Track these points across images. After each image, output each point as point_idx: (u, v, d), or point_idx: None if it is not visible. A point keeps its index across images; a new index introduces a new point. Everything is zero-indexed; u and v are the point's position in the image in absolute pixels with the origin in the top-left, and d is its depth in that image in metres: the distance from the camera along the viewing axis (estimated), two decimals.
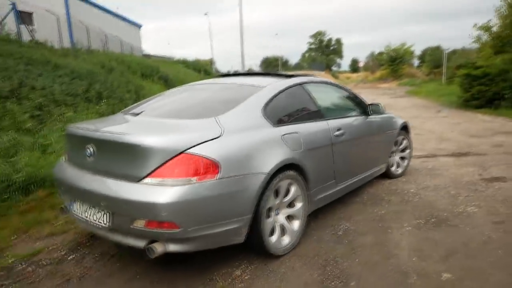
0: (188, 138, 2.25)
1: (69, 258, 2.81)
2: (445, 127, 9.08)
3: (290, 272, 2.49)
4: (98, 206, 2.36)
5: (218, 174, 2.23)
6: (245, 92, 2.88)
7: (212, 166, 2.22)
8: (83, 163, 2.51)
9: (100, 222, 2.35)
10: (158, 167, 2.17)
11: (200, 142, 2.25)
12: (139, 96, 8.61)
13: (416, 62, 52.97)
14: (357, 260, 2.64)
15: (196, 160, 2.19)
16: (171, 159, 2.17)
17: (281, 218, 2.74)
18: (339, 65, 79.72)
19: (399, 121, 4.62)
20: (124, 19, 23.30)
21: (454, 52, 31.40)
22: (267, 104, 2.79)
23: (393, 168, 4.62)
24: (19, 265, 2.72)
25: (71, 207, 2.61)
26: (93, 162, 2.43)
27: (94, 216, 2.39)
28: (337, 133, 3.27)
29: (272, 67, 61.54)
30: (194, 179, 2.16)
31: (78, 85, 7.13)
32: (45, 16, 11.97)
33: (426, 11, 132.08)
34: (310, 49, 77.43)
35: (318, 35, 76.01)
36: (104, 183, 2.30)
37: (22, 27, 9.92)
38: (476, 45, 22.14)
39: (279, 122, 2.81)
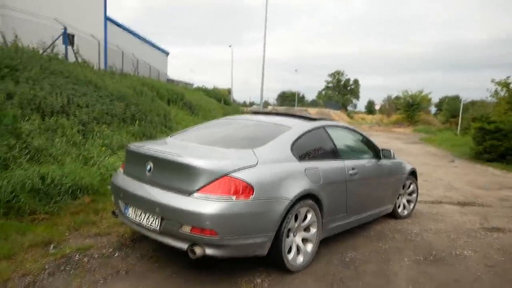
0: (231, 164, 2.80)
1: (115, 255, 3.31)
2: (454, 176, 9.44)
3: (303, 285, 2.94)
4: (151, 212, 2.89)
5: (252, 196, 2.75)
6: (276, 130, 3.45)
7: (248, 189, 2.74)
8: (141, 176, 3.07)
9: (152, 226, 2.87)
10: (206, 184, 2.71)
11: (240, 168, 2.80)
12: (166, 120, 9.32)
13: (433, 109, 53.50)
14: (360, 283, 3.07)
15: (236, 182, 2.72)
16: (216, 179, 2.71)
17: (297, 239, 3.22)
18: (355, 106, 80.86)
19: (408, 167, 5.10)
20: (154, 45, 24.83)
21: (472, 103, 31.75)
22: (294, 142, 3.35)
23: (399, 209, 5.05)
24: (76, 255, 3.23)
25: (126, 211, 3.15)
26: (151, 176, 2.99)
27: (147, 220, 2.92)
28: (351, 172, 3.78)
29: (288, 101, 62.91)
30: (233, 197, 2.69)
31: (116, 106, 7.86)
32: (85, 39, 13.04)
33: (447, 60, 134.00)
34: (327, 87, 79.00)
35: (336, 75, 77.81)
36: (160, 194, 2.84)
37: (68, 48, 10.93)
38: (493, 99, 22.63)
39: (303, 157, 3.35)
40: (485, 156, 12.96)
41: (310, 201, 3.20)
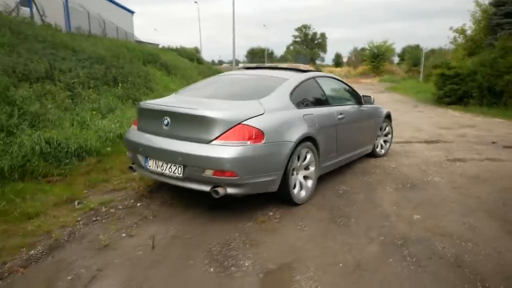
0: (243, 114, 3.17)
1: (138, 205, 3.68)
2: (420, 120, 10.28)
3: (308, 214, 3.47)
4: (173, 161, 3.23)
5: (263, 140, 3.16)
6: (275, 82, 3.81)
7: (259, 134, 3.14)
8: (159, 130, 3.37)
9: (175, 173, 3.24)
10: (223, 133, 3.07)
11: (251, 116, 3.18)
12: (148, 81, 9.33)
13: (396, 59, 54.86)
14: (354, 207, 3.65)
15: (249, 129, 3.11)
16: (232, 127, 3.08)
17: (300, 177, 3.71)
18: (322, 59, 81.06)
19: (384, 111, 5.66)
20: (118, 4, 23.54)
21: (432, 51, 32.96)
22: (292, 92, 3.73)
23: (378, 149, 5.66)
24: (102, 208, 3.58)
25: (146, 164, 3.48)
26: (169, 129, 3.30)
27: (169, 169, 3.28)
28: (339, 116, 4.25)
29: (258, 58, 62.16)
30: (248, 142, 3.08)
31: (97, 69, 7.82)
32: None
33: (408, 9, 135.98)
34: (295, 42, 78.29)
35: (303, 29, 76.99)
36: (181, 144, 3.18)
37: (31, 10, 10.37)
38: (452, 46, 23.76)
39: (300, 105, 3.76)
40: (445, 100, 13.97)
41: (309, 143, 3.66)
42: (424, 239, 2.94)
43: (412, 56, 39.30)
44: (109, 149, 5.36)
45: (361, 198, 3.92)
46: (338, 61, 70.42)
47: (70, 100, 6.26)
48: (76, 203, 3.67)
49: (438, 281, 2.35)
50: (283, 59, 67.69)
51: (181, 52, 20.61)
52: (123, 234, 3.02)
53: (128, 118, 6.77)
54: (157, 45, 27.59)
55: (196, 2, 39.38)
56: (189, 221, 3.32)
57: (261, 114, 3.27)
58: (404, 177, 4.70)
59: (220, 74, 4.71)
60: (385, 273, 2.45)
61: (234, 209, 3.54)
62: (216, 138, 3.08)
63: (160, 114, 3.38)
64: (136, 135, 3.64)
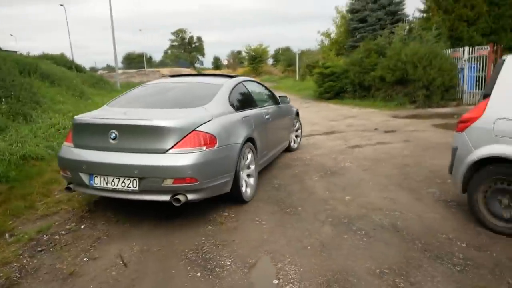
0: (195, 121, 3.28)
1: (82, 227, 3.43)
2: (311, 114, 11.52)
3: (259, 209, 3.75)
4: (127, 175, 3.13)
5: (217, 144, 3.32)
6: (212, 88, 3.98)
7: (212, 139, 3.29)
8: (105, 145, 3.22)
9: (129, 187, 3.15)
10: (179, 141, 3.13)
11: (202, 123, 3.31)
12: (33, 94, 8.24)
13: (270, 60, 59.01)
14: (295, 197, 4.07)
15: (203, 135, 3.23)
16: (187, 135, 3.16)
17: (244, 176, 3.96)
18: (201, 63, 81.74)
19: (294, 109, 6.32)
20: None
21: (302, 52, 36.63)
22: (229, 96, 3.96)
23: (291, 144, 6.27)
24: (43, 236, 3.24)
25: (91, 182, 3.27)
26: (117, 143, 3.19)
27: (122, 184, 3.17)
28: (267, 116, 4.64)
29: (135, 63, 59.28)
30: (204, 147, 3.21)
31: None
32: None
33: (276, 15, 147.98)
34: (172, 46, 77.20)
35: (179, 33, 76.41)
36: (135, 157, 3.12)
37: None
38: (319, 47, 26.91)
39: (238, 108, 4.01)
40: (325, 96, 15.86)
41: (249, 143, 3.95)
42: (363, 215, 3.51)
43: (286, 57, 43.02)
44: (13, 173, 4.72)
45: (297, 188, 4.38)
46: (217, 64, 72.10)
47: None
48: (7, 235, 3.23)
49: (389, 245, 2.90)
50: (162, 63, 66.28)
51: (58, 60, 18.49)
52: (85, 259, 2.84)
53: (24, 136, 6.01)
54: (15, 52, 24.13)
55: (62, 5, 35.51)
56: (148, 234, 3.27)
57: (210, 120, 3.41)
58: (322, 166, 5.36)
59: (148, 83, 4.61)
60: (347, 247, 2.90)
61: (187, 217, 3.59)
62: (173, 147, 3.12)
63: (105, 128, 3.23)
64: (74, 152, 3.38)
